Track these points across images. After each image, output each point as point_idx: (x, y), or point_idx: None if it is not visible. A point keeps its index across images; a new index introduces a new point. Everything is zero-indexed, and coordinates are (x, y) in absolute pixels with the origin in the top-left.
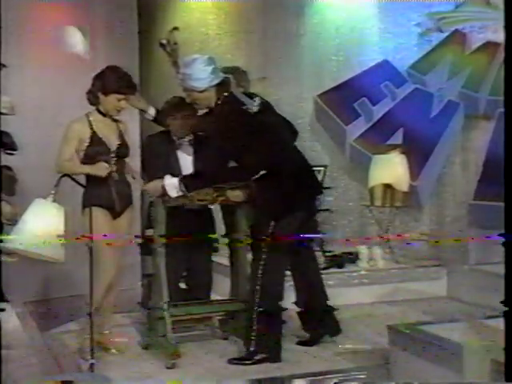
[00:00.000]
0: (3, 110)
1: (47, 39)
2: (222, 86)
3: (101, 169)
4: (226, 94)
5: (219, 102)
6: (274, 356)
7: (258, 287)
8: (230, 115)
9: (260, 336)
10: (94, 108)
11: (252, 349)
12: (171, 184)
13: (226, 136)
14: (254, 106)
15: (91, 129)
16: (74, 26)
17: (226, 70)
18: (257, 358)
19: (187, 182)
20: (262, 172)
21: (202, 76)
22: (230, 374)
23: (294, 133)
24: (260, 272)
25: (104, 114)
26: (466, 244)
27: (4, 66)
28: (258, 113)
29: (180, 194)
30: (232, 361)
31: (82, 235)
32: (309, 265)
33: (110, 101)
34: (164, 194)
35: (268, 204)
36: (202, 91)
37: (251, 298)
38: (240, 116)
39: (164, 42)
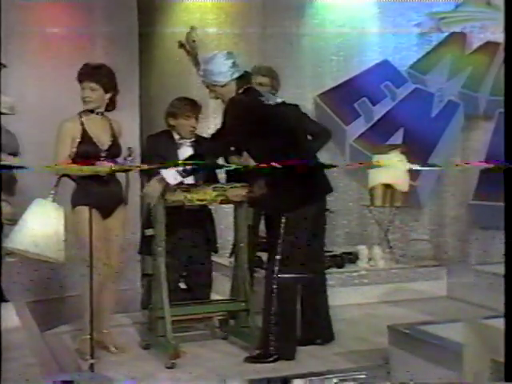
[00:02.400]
0: (3, 110)
1: (47, 39)
2: (242, 79)
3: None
4: (245, 86)
5: (239, 92)
6: (289, 355)
7: (274, 286)
8: (246, 102)
9: (276, 337)
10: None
11: (271, 348)
12: (168, 172)
13: (239, 121)
14: (271, 100)
15: (82, 127)
16: (74, 26)
17: (261, 72)
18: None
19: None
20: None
21: (223, 70)
22: (229, 374)
23: (314, 135)
24: (277, 270)
25: (92, 111)
26: (466, 244)
27: (4, 66)
28: (275, 107)
29: (179, 180)
30: (249, 359)
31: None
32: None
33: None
34: (163, 192)
35: (279, 198)
36: (223, 85)
37: (267, 298)
38: (256, 105)
39: (183, 41)
